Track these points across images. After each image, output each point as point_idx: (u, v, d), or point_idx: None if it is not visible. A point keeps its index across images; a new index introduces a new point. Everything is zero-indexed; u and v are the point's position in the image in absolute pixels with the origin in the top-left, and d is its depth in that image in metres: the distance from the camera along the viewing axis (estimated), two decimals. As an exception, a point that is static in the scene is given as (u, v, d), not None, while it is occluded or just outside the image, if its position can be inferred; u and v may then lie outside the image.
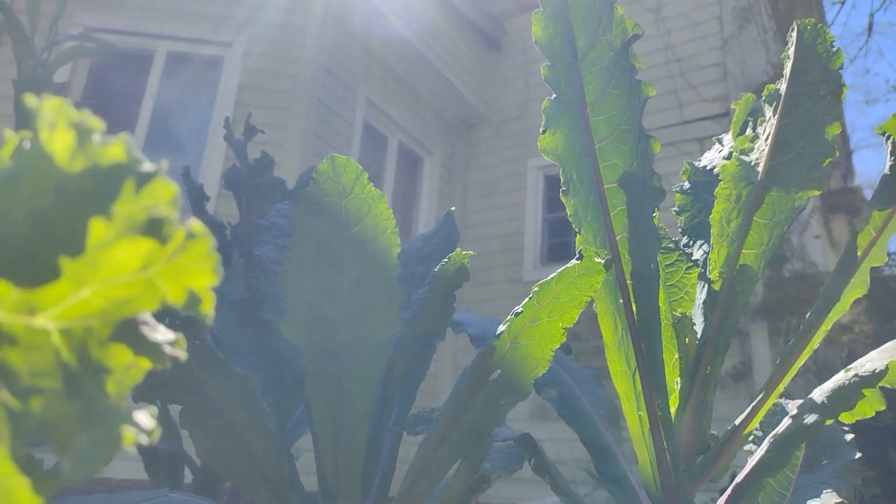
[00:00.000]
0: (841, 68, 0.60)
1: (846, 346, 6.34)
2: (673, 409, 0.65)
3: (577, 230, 0.66)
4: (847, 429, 0.76)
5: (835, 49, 0.60)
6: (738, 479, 0.63)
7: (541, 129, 0.65)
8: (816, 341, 0.66)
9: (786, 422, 0.63)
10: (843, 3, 6.24)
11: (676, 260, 0.71)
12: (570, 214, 0.66)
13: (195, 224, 0.15)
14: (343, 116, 4.69)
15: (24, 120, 1.05)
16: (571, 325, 0.61)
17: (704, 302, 0.64)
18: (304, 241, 0.67)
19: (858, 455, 0.73)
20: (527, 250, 5.40)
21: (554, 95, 0.65)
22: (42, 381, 0.16)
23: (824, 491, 0.70)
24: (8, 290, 0.16)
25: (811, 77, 0.60)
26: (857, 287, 0.66)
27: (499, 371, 0.65)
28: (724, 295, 0.63)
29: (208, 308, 0.16)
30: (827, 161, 0.61)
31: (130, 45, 4.31)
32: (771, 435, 0.64)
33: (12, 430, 0.16)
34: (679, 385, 0.65)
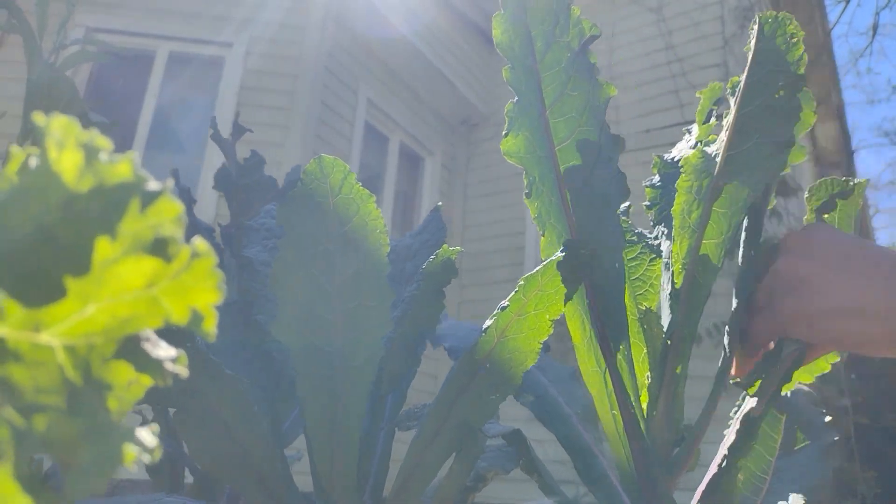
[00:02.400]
0: (800, 59, 0.59)
1: (847, 347, 6.32)
2: (645, 405, 0.65)
3: (541, 233, 0.66)
4: (825, 412, 0.77)
5: (794, 40, 0.59)
6: (712, 467, 0.63)
7: (503, 133, 0.65)
8: None
9: (746, 399, 0.63)
10: (847, 2, 6.23)
11: (640, 253, 0.70)
12: (535, 217, 0.66)
13: (199, 243, 0.16)
14: (344, 116, 4.70)
15: (32, 121, 1.05)
16: (559, 317, 0.62)
17: (669, 295, 0.64)
18: (292, 242, 0.67)
19: (836, 438, 0.74)
20: (527, 250, 5.40)
21: (515, 98, 0.64)
22: (46, 397, 0.16)
23: (790, 494, 0.70)
24: (13, 307, 0.16)
25: (769, 67, 0.60)
26: None
27: (487, 366, 0.65)
28: (686, 287, 0.63)
29: (211, 326, 0.16)
30: (787, 150, 0.61)
31: (132, 46, 4.32)
32: (737, 416, 0.64)
33: (16, 447, 0.16)
34: (650, 380, 0.65)
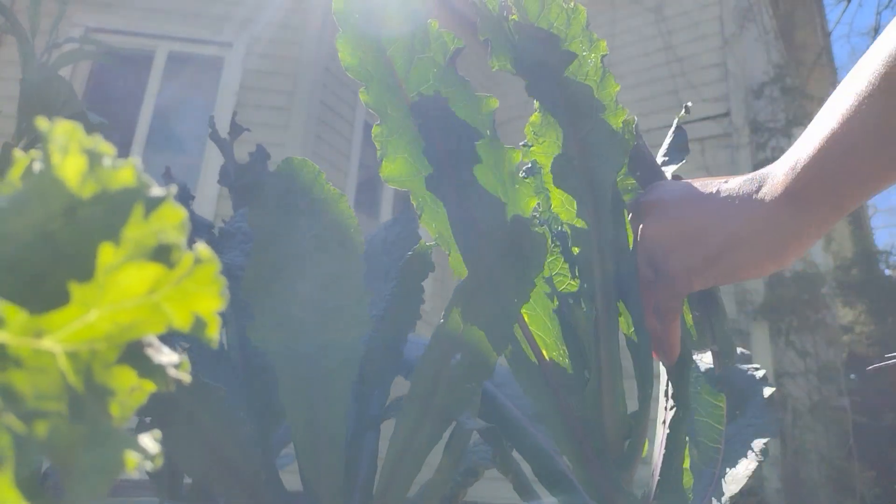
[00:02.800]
0: (588, 25, 0.58)
1: (847, 347, 6.34)
2: (589, 403, 0.65)
3: (447, 252, 0.63)
4: (758, 366, 0.77)
5: (572, 5, 0.57)
6: (659, 448, 0.63)
7: (378, 157, 0.61)
8: None
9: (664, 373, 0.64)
10: (848, 2, 6.24)
11: (553, 245, 0.67)
12: (436, 237, 0.63)
13: (202, 249, 0.15)
14: (343, 116, 4.70)
15: (29, 122, 1.05)
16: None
17: (585, 288, 0.64)
18: (264, 245, 0.66)
19: (773, 390, 0.74)
20: (527, 250, 5.40)
21: (379, 121, 0.60)
22: (47, 404, 0.16)
23: (750, 435, 0.71)
24: (15, 313, 0.16)
25: (567, 46, 0.58)
26: None
27: (459, 354, 0.64)
28: (597, 277, 0.62)
29: (214, 332, 0.16)
30: (620, 125, 0.59)
31: (131, 46, 4.32)
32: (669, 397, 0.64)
33: (17, 454, 0.16)
34: (589, 377, 0.64)
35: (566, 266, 0.67)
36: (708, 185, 0.58)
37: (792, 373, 4.64)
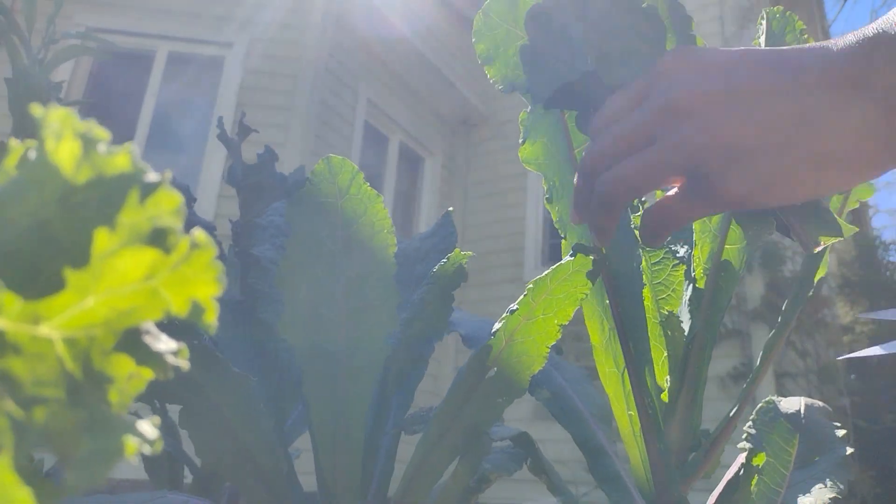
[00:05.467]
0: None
1: (847, 348, 6.34)
2: (664, 408, 0.66)
3: (562, 235, 0.66)
4: (838, 425, 0.77)
5: (805, 37, 0.60)
6: (730, 473, 0.63)
7: (520, 140, 0.65)
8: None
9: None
10: (845, 1, 6.25)
11: (663, 258, 0.69)
12: (556, 221, 0.66)
13: (199, 234, 0.16)
14: (344, 116, 4.70)
15: (21, 119, 1.06)
16: (567, 323, 0.61)
17: (690, 299, 0.64)
18: (300, 242, 0.67)
19: (850, 451, 0.74)
20: (527, 250, 5.40)
21: (530, 108, 0.63)
22: (45, 390, 0.16)
23: (816, 486, 0.71)
24: (12, 299, 0.16)
25: None
26: (822, 268, 0.69)
27: (495, 369, 0.65)
28: (708, 292, 0.63)
29: (211, 318, 0.16)
30: None
31: (131, 46, 4.32)
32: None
33: (15, 439, 0.16)
34: (669, 383, 0.65)
35: (673, 276, 0.69)
36: (777, 65, 0.42)
37: (792, 373, 4.63)
